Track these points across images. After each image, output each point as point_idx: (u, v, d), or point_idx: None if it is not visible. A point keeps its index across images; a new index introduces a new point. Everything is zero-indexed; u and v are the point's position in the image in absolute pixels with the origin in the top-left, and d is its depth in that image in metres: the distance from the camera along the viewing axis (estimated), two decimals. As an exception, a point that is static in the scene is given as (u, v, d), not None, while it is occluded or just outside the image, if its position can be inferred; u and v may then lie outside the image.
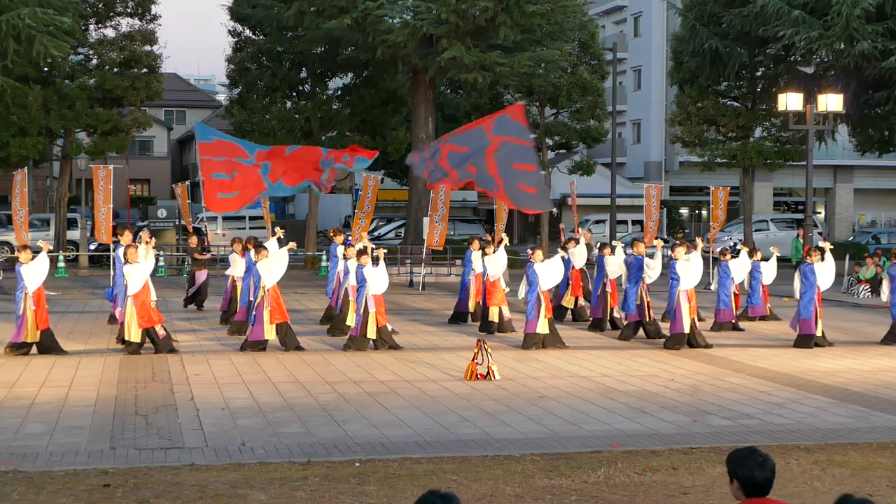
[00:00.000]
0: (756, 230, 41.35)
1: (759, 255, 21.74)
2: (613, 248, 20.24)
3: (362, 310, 16.69)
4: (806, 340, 17.96)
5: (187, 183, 32.45)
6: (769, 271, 21.62)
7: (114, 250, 18.66)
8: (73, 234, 37.29)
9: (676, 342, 17.45)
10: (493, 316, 19.33)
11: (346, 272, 18.13)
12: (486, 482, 9.12)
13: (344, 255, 18.73)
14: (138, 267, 15.89)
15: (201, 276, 22.85)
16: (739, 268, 21.08)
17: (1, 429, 10.97)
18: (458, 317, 20.97)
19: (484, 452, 10.19)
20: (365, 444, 10.45)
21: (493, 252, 19.67)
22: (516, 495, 8.77)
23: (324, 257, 34.75)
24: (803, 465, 9.85)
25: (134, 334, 15.96)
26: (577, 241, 21.54)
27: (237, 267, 19.88)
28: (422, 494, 4.45)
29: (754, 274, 21.36)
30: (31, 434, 10.77)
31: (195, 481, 9.00)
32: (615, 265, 19.68)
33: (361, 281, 16.66)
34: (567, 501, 8.67)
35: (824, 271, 18.22)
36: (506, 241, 21.00)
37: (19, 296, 15.80)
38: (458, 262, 33.02)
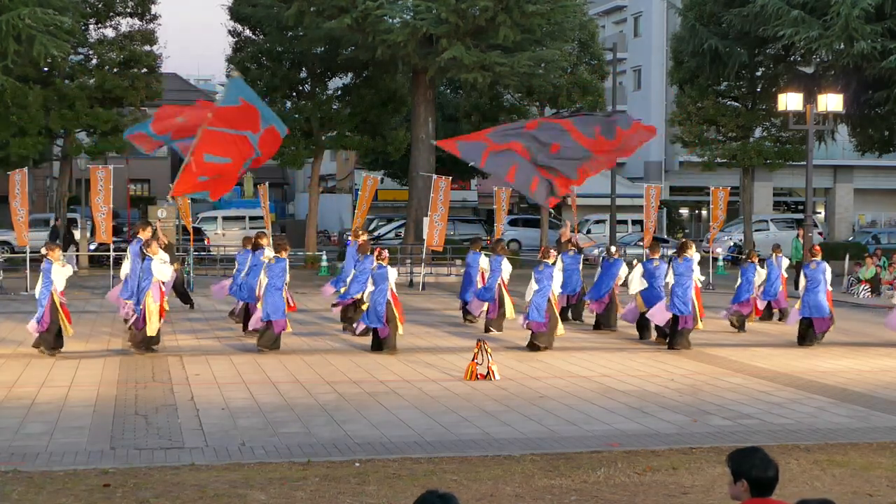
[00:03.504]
0: (756, 230, 41.34)
1: (755, 257, 21.23)
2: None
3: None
4: (808, 338, 18.14)
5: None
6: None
7: (134, 244, 18.41)
8: (73, 235, 37.26)
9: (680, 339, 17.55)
10: (510, 312, 19.32)
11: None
12: (486, 482, 9.12)
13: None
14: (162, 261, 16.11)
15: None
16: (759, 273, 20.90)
17: (1, 429, 10.98)
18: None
19: (484, 452, 10.19)
20: (365, 444, 10.45)
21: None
22: (516, 495, 8.78)
23: (324, 257, 34.74)
24: (803, 465, 9.86)
25: (154, 328, 15.98)
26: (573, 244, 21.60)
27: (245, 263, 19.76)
28: (421, 494, 4.45)
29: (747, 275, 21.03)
30: (31, 434, 10.77)
31: (195, 481, 9.00)
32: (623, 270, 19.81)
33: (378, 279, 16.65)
34: (567, 501, 8.68)
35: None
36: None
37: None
38: (459, 262, 33.03)
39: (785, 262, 21.59)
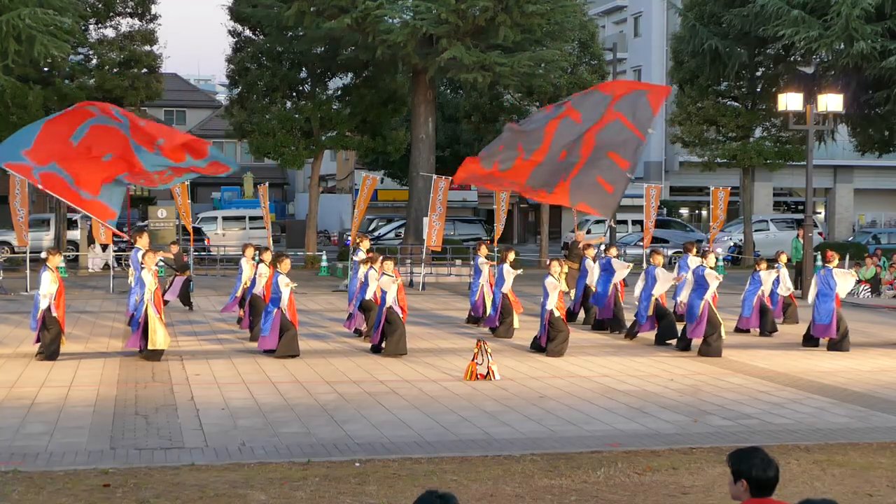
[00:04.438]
0: (756, 230, 41.34)
1: (763, 265, 20.86)
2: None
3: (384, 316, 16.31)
4: (815, 341, 18.09)
5: (187, 183, 32.39)
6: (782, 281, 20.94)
7: (134, 252, 18.04)
8: (73, 234, 37.30)
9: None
10: (516, 322, 19.24)
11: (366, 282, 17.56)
12: (486, 482, 9.12)
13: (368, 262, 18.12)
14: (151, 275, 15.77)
15: (179, 281, 22.52)
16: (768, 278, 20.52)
17: (1, 429, 10.98)
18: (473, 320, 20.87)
19: (484, 452, 10.19)
20: (365, 444, 10.45)
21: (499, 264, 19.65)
22: (516, 495, 8.78)
23: (324, 257, 34.74)
24: (803, 465, 9.86)
25: (164, 341, 15.56)
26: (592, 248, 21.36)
27: (247, 272, 19.49)
28: (420, 494, 4.45)
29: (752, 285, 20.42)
30: (31, 434, 10.78)
31: (195, 481, 9.00)
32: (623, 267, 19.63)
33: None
34: (567, 501, 8.68)
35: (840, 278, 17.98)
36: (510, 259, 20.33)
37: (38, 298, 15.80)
38: (459, 262, 33.04)
39: (784, 259, 21.42)
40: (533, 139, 15.74)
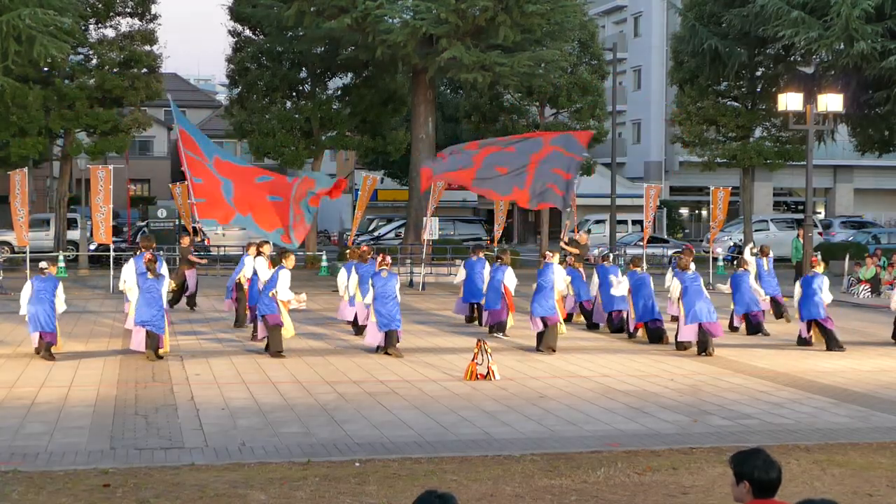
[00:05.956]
0: (756, 230, 41.34)
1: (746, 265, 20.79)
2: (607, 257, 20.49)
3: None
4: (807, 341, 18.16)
5: (188, 183, 32.33)
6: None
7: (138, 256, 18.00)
8: (73, 234, 37.28)
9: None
10: (510, 321, 19.23)
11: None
12: (486, 482, 9.12)
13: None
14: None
15: (191, 275, 22.80)
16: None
17: (1, 429, 10.98)
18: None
19: (484, 452, 10.19)
20: (365, 444, 10.46)
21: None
22: (516, 495, 8.78)
23: (324, 257, 34.71)
24: (803, 465, 9.86)
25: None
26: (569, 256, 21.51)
27: (248, 269, 19.53)
28: (420, 494, 4.45)
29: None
30: (31, 434, 10.78)
31: (195, 481, 9.00)
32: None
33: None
34: (567, 501, 8.68)
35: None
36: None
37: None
38: (458, 262, 33.03)
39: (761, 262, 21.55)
40: (464, 162, 19.78)
